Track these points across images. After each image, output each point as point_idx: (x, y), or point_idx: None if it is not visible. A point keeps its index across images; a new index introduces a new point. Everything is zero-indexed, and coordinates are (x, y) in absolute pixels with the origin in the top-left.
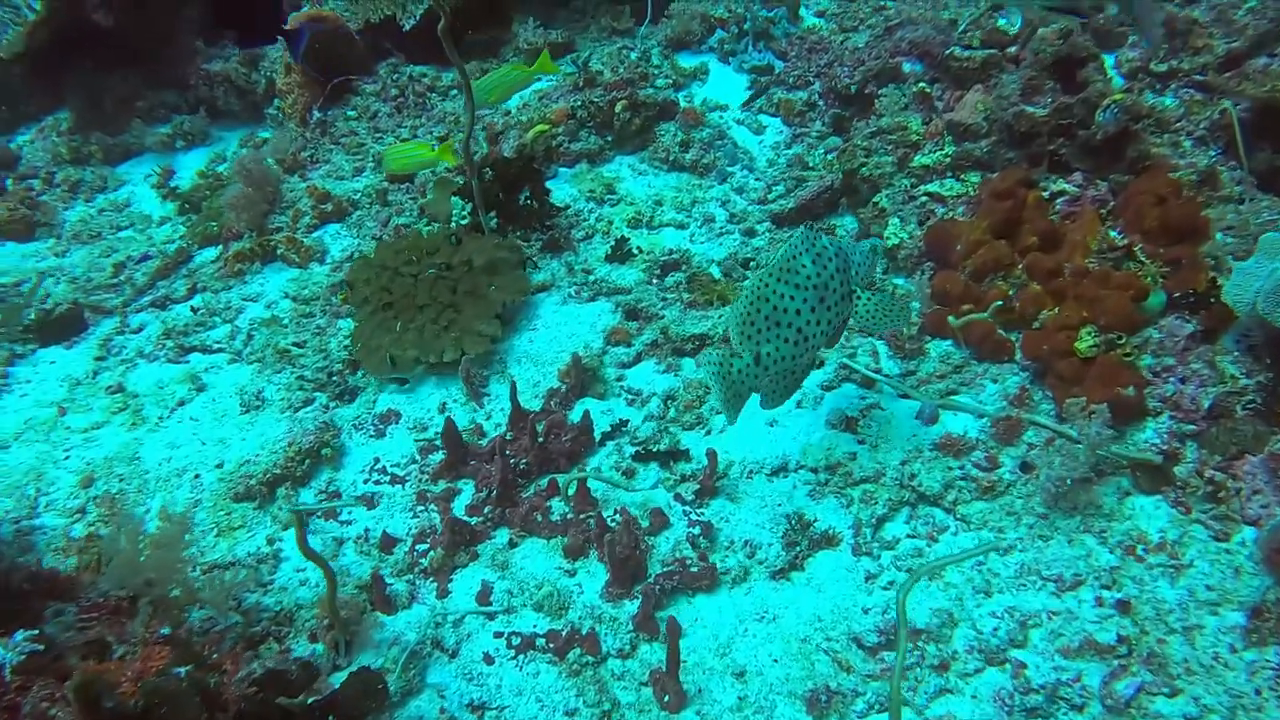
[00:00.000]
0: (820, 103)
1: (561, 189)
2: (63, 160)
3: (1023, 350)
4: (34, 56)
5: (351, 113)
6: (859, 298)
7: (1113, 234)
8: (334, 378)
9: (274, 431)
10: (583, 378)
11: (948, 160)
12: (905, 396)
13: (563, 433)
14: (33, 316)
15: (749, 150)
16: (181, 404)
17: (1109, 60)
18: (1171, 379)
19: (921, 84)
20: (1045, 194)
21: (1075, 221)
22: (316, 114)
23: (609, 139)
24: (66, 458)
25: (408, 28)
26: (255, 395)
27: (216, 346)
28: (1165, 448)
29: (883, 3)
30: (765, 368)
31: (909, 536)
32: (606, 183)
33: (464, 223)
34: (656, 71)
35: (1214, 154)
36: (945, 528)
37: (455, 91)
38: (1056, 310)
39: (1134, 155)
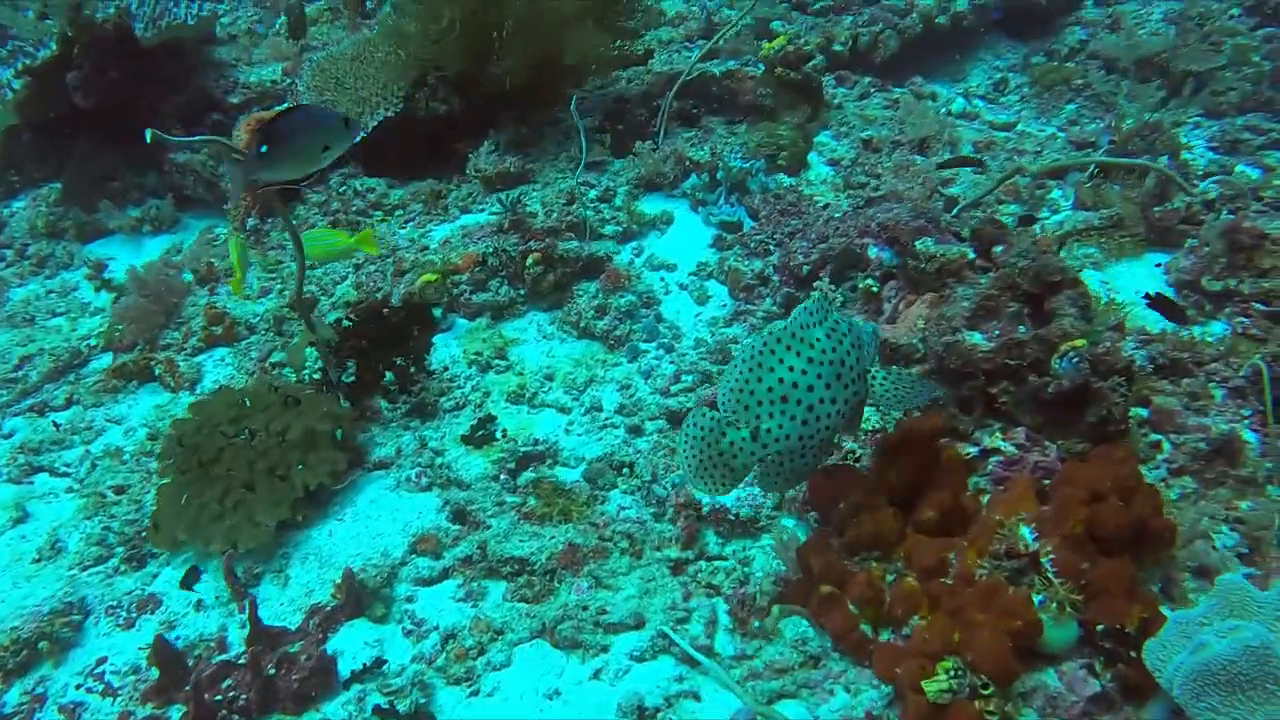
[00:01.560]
0: (774, 277)
1: (449, 346)
2: (39, 233)
3: (875, 665)
4: (34, 128)
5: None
6: (873, 376)
7: (1024, 530)
8: (141, 535)
9: (44, 592)
10: (357, 595)
11: None
12: (729, 688)
13: (293, 669)
14: None
15: (676, 325)
16: None
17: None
18: None
19: (869, 280)
20: (974, 450)
21: (1006, 492)
22: (252, 221)
23: (522, 293)
24: None
25: (357, 139)
26: (52, 544)
27: (64, 470)
28: None
29: (910, 158)
30: (764, 445)
31: None
32: (500, 346)
33: (315, 378)
34: (609, 218)
35: (1249, 414)
36: None
37: (400, 212)
38: (926, 621)
39: (1094, 420)
